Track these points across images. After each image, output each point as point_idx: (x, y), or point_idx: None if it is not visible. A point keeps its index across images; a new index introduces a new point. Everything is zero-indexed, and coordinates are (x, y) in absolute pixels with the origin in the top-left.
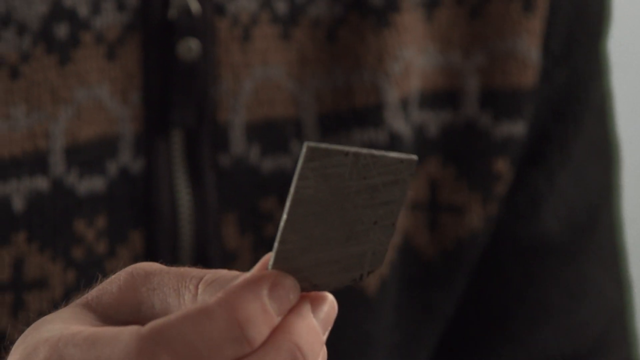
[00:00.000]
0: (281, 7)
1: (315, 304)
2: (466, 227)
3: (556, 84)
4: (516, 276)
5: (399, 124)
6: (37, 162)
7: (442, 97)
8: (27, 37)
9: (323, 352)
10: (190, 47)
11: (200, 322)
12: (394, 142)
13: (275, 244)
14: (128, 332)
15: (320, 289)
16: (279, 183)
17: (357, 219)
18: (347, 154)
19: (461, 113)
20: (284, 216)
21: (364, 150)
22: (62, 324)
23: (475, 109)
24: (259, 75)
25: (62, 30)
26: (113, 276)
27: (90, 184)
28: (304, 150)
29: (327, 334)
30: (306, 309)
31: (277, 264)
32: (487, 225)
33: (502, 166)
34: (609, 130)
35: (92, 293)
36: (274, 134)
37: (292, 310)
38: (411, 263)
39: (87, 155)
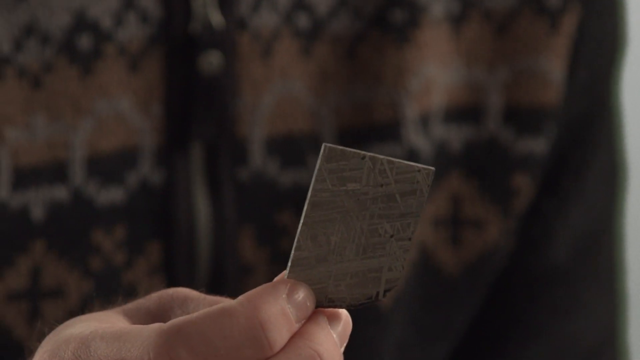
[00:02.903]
0: (303, 22)
1: (331, 319)
2: (487, 242)
3: (578, 111)
4: (519, 299)
5: (418, 139)
6: (56, 172)
7: (466, 112)
8: (50, 48)
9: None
10: (211, 61)
11: (221, 321)
12: (412, 158)
13: (292, 251)
14: (151, 327)
15: (335, 305)
16: (296, 197)
17: (374, 230)
18: (364, 157)
19: (484, 128)
20: (301, 220)
21: (382, 156)
22: (96, 323)
23: (497, 124)
24: (279, 90)
25: (84, 42)
26: (153, 294)
27: (110, 195)
28: (322, 150)
29: (343, 349)
30: (324, 320)
31: (294, 272)
32: (506, 241)
33: (522, 181)
34: (619, 155)
35: (129, 305)
36: (292, 149)
37: (310, 320)
38: (433, 279)
39: (107, 166)
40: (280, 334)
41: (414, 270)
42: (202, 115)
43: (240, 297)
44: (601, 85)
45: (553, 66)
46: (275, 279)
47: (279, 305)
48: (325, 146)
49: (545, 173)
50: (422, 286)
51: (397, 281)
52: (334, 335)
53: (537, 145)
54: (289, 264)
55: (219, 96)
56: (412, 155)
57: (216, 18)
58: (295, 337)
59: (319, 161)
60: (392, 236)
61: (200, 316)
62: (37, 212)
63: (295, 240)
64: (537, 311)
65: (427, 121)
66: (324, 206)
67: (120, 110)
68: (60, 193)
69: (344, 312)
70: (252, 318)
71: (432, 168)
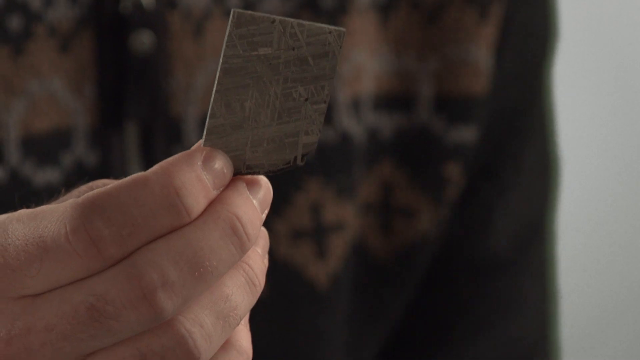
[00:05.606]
0: (233, 2)
1: (251, 185)
2: (418, 230)
3: (509, 100)
4: (462, 289)
5: (350, 123)
6: None
7: (397, 100)
8: None
9: (264, 235)
10: (143, 40)
11: (135, 190)
12: (345, 141)
13: (207, 119)
14: (66, 203)
15: (254, 172)
16: None
17: (288, 94)
18: (274, 20)
19: (415, 116)
20: (214, 88)
21: (291, 19)
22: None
23: (428, 113)
24: (213, 70)
25: (14, 22)
26: (74, 190)
27: (46, 176)
28: (231, 16)
29: (264, 216)
30: (242, 186)
31: (209, 140)
32: (437, 230)
33: (453, 170)
34: (552, 147)
35: (51, 202)
36: None
37: (228, 187)
38: (364, 263)
39: (42, 146)
40: (196, 200)
41: (349, 252)
42: (135, 95)
43: (155, 166)
44: (531, 75)
45: (482, 55)
46: (192, 148)
47: (194, 172)
48: (234, 11)
49: (481, 162)
50: (357, 269)
51: (314, 145)
52: (254, 201)
53: (468, 134)
54: (204, 132)
55: (152, 75)
56: (345, 139)
57: None
58: (213, 202)
59: (228, 27)
60: (306, 100)
61: (114, 187)
62: None
63: (210, 108)
64: (482, 302)
65: (358, 106)
66: (236, 72)
67: (53, 90)
68: None
69: (263, 179)
70: (166, 185)
71: (343, 29)
